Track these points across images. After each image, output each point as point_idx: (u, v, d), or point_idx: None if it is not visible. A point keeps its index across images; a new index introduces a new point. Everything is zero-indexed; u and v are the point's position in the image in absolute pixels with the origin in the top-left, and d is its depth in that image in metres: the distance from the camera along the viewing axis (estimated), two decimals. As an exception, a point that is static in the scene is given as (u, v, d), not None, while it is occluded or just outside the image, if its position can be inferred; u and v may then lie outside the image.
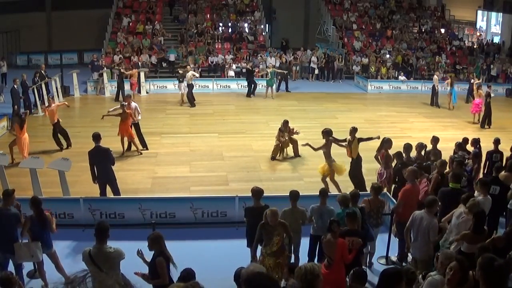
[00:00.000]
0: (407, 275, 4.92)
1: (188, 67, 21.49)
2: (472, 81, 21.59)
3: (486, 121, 18.01)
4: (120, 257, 5.87)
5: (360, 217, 7.30)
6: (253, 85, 22.31)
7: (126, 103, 13.95)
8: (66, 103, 16.35)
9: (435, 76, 22.00)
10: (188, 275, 5.15)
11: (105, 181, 10.20)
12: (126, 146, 13.93)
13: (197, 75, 21.19)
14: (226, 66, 25.02)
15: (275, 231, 6.90)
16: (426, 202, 7.19)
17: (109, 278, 5.75)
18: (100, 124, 14.77)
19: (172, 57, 25.59)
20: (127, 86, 20.72)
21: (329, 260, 6.40)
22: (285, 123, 13.74)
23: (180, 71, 21.05)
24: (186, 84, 19.86)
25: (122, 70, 21.04)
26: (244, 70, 24.09)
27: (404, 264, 8.15)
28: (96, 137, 10.29)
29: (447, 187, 8.22)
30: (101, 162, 10.13)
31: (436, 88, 21.28)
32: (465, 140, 11.26)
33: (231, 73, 24.67)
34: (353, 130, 11.02)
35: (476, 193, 8.00)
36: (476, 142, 11.12)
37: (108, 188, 10.35)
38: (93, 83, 22.45)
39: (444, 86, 21.41)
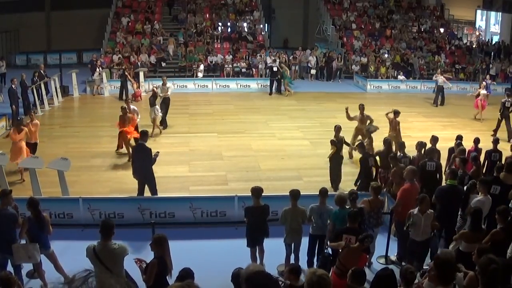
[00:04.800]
0: (406, 274, 4.92)
1: (164, 78, 17.37)
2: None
3: None
4: (125, 253, 5.86)
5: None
6: (276, 84, 22.63)
7: (126, 107, 13.93)
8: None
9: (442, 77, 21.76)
10: (186, 274, 5.13)
11: (142, 179, 10.23)
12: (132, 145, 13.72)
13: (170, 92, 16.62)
14: (223, 65, 24.97)
15: None
16: None
17: (111, 277, 5.73)
18: (100, 124, 14.81)
19: None
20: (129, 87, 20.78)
21: (342, 268, 6.11)
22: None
23: (157, 90, 16.20)
24: (158, 107, 15.72)
25: (125, 67, 21.00)
26: (243, 70, 24.06)
27: (403, 263, 8.15)
28: (144, 135, 10.31)
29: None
30: (141, 160, 10.18)
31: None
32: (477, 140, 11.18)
33: (200, 74, 24.35)
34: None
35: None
36: (475, 142, 11.10)
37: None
38: (90, 83, 22.33)
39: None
